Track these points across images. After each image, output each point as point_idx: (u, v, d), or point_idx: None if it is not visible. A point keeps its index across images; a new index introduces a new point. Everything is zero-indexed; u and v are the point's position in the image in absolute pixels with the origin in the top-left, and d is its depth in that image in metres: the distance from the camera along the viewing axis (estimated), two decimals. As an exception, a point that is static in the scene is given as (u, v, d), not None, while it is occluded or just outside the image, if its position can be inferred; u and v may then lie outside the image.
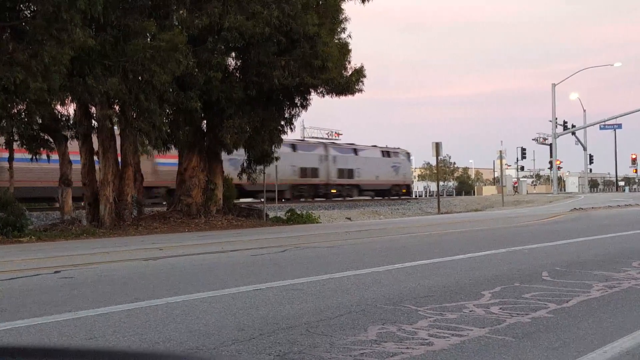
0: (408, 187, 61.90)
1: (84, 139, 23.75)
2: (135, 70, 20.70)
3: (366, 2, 26.02)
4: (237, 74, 25.12)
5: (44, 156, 23.16)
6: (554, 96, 73.92)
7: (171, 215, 25.64)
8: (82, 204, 24.85)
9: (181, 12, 22.83)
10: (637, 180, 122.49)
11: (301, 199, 47.06)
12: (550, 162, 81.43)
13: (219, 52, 23.12)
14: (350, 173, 53.52)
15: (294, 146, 48.66)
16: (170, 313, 7.49)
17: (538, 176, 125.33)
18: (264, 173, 28.35)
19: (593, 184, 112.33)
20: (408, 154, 61.98)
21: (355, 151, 55.39)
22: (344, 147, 55.51)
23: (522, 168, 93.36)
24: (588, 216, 29.93)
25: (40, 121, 21.37)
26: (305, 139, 57.09)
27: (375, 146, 58.39)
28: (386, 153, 58.22)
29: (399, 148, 60.62)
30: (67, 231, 21.26)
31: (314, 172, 50.53)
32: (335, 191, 52.10)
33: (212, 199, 26.48)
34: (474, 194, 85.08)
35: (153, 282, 10.21)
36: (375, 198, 55.00)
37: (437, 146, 39.75)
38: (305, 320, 6.99)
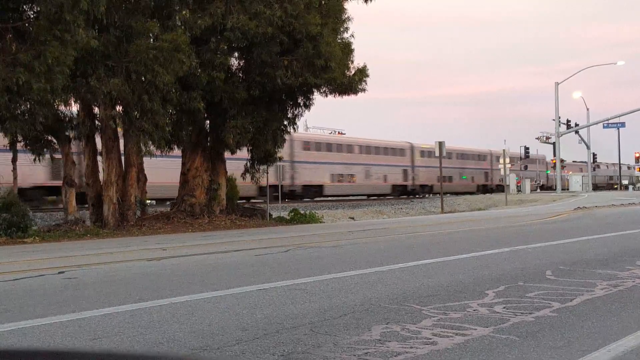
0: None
1: (87, 140, 23.77)
2: (138, 70, 20.71)
3: (369, 1, 25.99)
4: (240, 74, 25.11)
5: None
6: (557, 95, 73.76)
7: (174, 215, 25.63)
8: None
9: (184, 12, 22.82)
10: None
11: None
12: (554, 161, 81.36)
13: (221, 53, 23.11)
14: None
15: (598, 166, 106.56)
16: (174, 313, 7.50)
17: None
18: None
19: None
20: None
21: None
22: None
23: (526, 167, 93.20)
24: (591, 215, 29.89)
25: (43, 122, 21.39)
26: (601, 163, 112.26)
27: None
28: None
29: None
30: (71, 232, 21.28)
31: (612, 178, 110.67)
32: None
33: (215, 199, 26.47)
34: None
35: (156, 282, 10.22)
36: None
37: (440, 145, 39.74)
38: (309, 320, 6.99)
